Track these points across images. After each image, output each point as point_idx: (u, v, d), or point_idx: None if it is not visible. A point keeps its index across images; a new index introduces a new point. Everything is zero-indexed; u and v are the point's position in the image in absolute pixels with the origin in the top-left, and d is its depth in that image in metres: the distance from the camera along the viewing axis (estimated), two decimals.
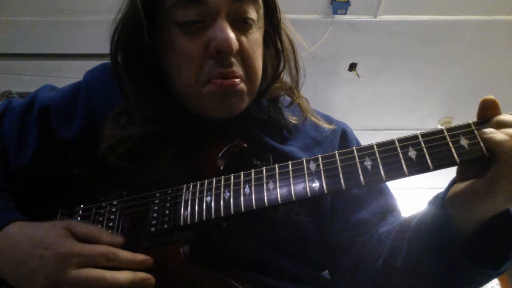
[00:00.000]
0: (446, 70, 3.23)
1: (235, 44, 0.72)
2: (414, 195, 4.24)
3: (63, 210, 0.81)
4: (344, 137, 0.93)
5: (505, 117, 0.56)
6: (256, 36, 0.78)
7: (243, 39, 0.76)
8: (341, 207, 0.85)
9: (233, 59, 0.74)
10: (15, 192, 0.84)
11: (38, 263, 0.66)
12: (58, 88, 0.96)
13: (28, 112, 0.89)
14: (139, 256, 0.68)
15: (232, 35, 0.72)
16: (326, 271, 0.89)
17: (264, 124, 0.85)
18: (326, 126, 0.90)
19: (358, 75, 3.25)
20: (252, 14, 0.76)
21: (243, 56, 0.76)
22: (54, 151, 0.87)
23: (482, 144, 0.56)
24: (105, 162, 0.80)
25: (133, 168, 0.79)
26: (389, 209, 0.85)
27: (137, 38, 0.76)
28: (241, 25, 0.75)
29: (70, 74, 2.83)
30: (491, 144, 0.54)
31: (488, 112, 0.58)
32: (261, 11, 0.79)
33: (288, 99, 0.91)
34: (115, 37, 0.79)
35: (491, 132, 0.55)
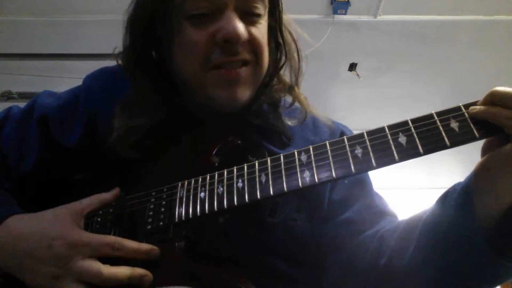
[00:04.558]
0: (446, 70, 3.23)
1: (243, 33, 0.74)
2: (414, 195, 4.24)
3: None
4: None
5: (499, 89, 0.56)
6: (263, 27, 0.80)
7: (252, 29, 0.78)
8: (332, 208, 0.85)
9: (240, 48, 0.76)
10: (17, 197, 0.84)
11: (46, 253, 0.68)
12: (57, 94, 0.96)
13: (27, 120, 0.89)
14: (145, 246, 0.69)
15: (240, 25, 0.74)
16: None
17: (263, 130, 0.86)
18: (324, 120, 0.91)
19: (358, 75, 3.25)
20: (260, 8, 0.78)
21: (253, 43, 0.78)
22: (55, 158, 0.88)
23: (472, 126, 0.56)
24: (114, 152, 0.80)
25: (140, 159, 0.80)
26: (380, 212, 0.84)
27: (149, 28, 0.78)
28: (249, 18, 0.77)
29: (70, 74, 2.83)
30: (499, 122, 0.54)
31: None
32: (267, 5, 0.81)
33: (288, 101, 0.91)
34: (129, 25, 0.81)
35: (496, 111, 0.54)
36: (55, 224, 0.71)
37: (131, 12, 0.81)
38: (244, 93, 0.79)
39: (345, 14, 2.77)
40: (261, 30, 0.79)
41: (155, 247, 0.69)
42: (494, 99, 0.56)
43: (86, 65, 2.83)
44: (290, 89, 0.89)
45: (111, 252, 0.68)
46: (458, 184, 0.64)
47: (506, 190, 0.58)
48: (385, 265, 0.73)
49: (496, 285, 0.65)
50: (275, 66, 0.87)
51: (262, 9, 0.79)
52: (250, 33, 0.77)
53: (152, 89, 0.82)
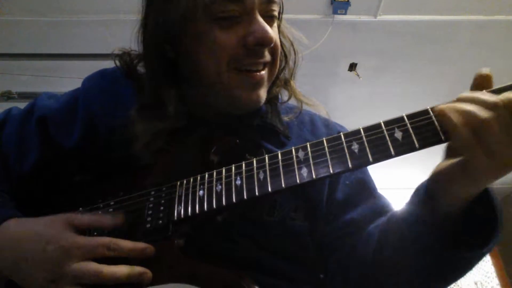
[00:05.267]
0: (446, 70, 3.23)
1: (274, 37, 0.78)
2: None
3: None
4: None
5: (463, 94, 0.58)
6: (277, 28, 0.84)
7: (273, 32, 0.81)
8: (334, 208, 0.86)
9: (265, 50, 0.79)
10: (16, 197, 0.84)
11: (41, 257, 0.67)
12: (57, 96, 0.96)
13: (27, 122, 0.90)
14: (140, 245, 0.69)
15: (270, 29, 0.78)
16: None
17: (261, 129, 0.87)
18: (321, 117, 0.94)
19: (358, 75, 3.25)
20: (276, 10, 0.82)
21: (273, 46, 0.81)
22: (55, 159, 0.88)
23: None
24: (112, 153, 0.81)
25: (154, 164, 0.81)
26: (380, 211, 0.85)
27: (173, 29, 0.79)
28: (269, 20, 0.80)
29: (70, 74, 2.83)
30: (443, 122, 0.56)
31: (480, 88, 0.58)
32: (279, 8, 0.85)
33: (284, 98, 0.93)
34: (150, 26, 0.82)
35: (448, 110, 0.56)
36: (49, 228, 0.71)
37: (154, 13, 0.81)
38: (264, 94, 0.83)
39: (345, 14, 2.77)
40: (276, 32, 0.83)
41: (150, 245, 0.69)
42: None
43: (86, 65, 2.83)
44: (286, 83, 0.91)
45: (106, 253, 0.68)
46: (424, 181, 0.66)
47: (460, 194, 0.60)
48: (371, 261, 0.75)
49: (462, 276, 0.68)
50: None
51: (277, 12, 0.82)
52: None
53: (169, 90, 0.82)
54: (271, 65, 0.83)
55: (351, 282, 0.80)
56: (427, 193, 0.64)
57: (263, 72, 0.80)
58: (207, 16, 0.77)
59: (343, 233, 0.83)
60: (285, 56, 0.90)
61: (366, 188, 0.89)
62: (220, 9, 0.76)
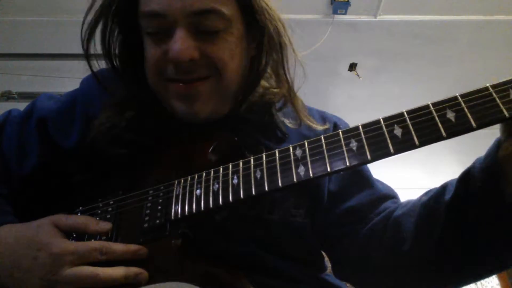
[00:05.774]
0: (446, 70, 3.23)
1: (185, 55, 0.73)
2: (414, 195, 4.23)
3: (64, 214, 0.82)
4: (336, 129, 0.93)
5: None
6: (226, 41, 0.77)
7: (208, 47, 0.76)
8: (331, 199, 0.86)
9: (192, 65, 0.76)
10: (16, 199, 0.84)
11: (32, 265, 0.67)
12: (56, 97, 0.97)
13: (27, 123, 0.90)
14: (132, 247, 0.69)
15: (185, 45, 0.73)
16: (325, 273, 0.89)
17: (258, 126, 0.87)
18: (320, 128, 0.90)
19: (358, 75, 3.26)
20: (217, 24, 0.76)
21: (209, 61, 0.76)
22: (55, 159, 0.88)
23: (469, 116, 0.55)
24: (96, 148, 0.82)
25: (123, 156, 0.81)
26: (379, 197, 0.85)
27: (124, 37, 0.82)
28: (205, 36, 0.76)
29: (70, 74, 2.83)
30: None
31: None
32: (231, 16, 0.77)
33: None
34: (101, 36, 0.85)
35: None
36: (40, 234, 0.70)
37: (101, 25, 0.85)
38: (205, 108, 0.79)
39: (345, 14, 2.77)
40: (221, 45, 0.76)
41: (143, 247, 0.69)
42: None
43: (86, 65, 2.82)
44: (286, 97, 0.88)
45: (99, 257, 0.67)
46: (479, 162, 0.63)
47: None
48: (409, 251, 0.72)
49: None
50: (257, 67, 0.84)
51: (221, 24, 0.76)
52: (204, 52, 0.75)
53: (136, 92, 0.84)
54: (216, 79, 0.78)
55: (358, 271, 0.81)
56: (493, 176, 0.60)
57: (199, 83, 0.77)
58: (143, 30, 0.79)
59: (344, 222, 0.83)
60: (266, 54, 0.83)
61: (362, 177, 0.88)
62: (147, 25, 0.77)
